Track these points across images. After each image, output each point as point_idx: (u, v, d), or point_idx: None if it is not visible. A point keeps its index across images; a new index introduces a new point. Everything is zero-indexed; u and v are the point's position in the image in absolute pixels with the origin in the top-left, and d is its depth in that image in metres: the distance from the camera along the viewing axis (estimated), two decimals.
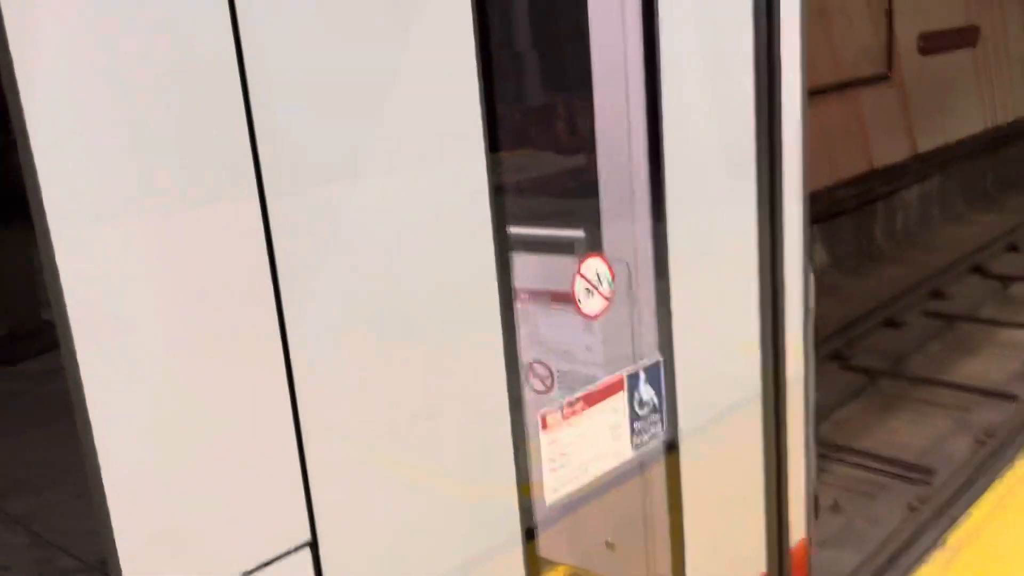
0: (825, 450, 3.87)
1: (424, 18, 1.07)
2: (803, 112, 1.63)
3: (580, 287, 1.30)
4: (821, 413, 4.21)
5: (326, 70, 0.98)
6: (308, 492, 1.03)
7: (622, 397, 1.34)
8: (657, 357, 1.40)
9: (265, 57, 0.94)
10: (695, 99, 1.44)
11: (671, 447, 1.46)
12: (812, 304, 2.04)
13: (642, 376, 1.37)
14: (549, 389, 1.63)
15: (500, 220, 1.16)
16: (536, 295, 1.57)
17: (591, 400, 1.30)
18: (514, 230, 1.65)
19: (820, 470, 3.81)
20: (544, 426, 1.25)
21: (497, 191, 1.67)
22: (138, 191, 0.87)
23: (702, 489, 1.56)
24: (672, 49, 1.37)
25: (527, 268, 1.61)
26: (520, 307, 1.63)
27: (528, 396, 1.72)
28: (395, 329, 1.08)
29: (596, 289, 1.32)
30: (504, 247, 1.17)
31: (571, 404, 1.28)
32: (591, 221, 1.59)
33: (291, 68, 0.96)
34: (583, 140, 1.64)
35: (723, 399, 1.60)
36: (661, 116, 1.37)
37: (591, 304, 1.32)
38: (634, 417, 1.36)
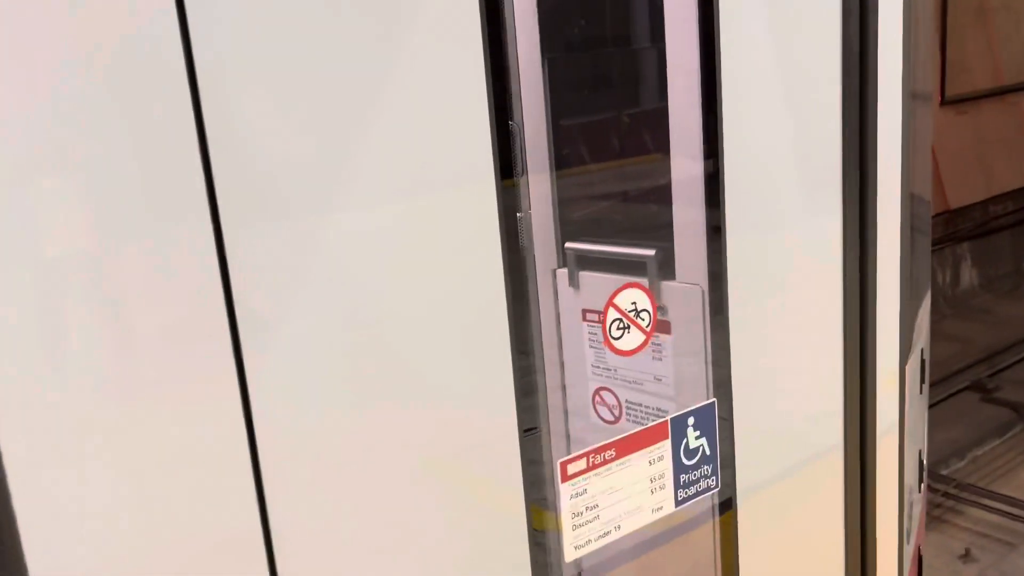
0: (958, 491, 3.53)
1: (420, 26, 0.94)
2: (905, 120, 1.42)
3: (612, 320, 1.15)
4: (957, 450, 3.86)
5: (293, 81, 0.87)
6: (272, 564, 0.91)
7: (665, 445, 1.18)
8: (709, 398, 1.22)
9: (220, 69, 0.83)
10: (763, 104, 1.26)
11: (727, 504, 1.28)
12: (924, 339, 1.81)
13: (691, 420, 1.20)
14: (617, 420, 1.49)
15: (514, 254, 1.01)
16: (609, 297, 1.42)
17: (626, 447, 1.14)
18: (581, 246, 1.52)
19: (953, 512, 3.47)
20: (564, 476, 1.10)
21: (562, 209, 1.55)
22: (62, 223, 0.78)
23: (764, 556, 1.37)
24: (736, 52, 1.20)
25: (595, 287, 1.47)
26: (587, 328, 1.49)
27: (593, 424, 1.58)
28: (381, 382, 0.95)
29: (633, 323, 1.16)
30: (520, 285, 1.03)
31: (600, 452, 1.12)
32: (664, 239, 1.44)
33: (251, 78, 0.85)
34: (657, 151, 1.48)
35: (794, 449, 1.41)
36: (721, 122, 1.19)
37: (625, 341, 1.16)
38: (680, 468, 1.19)
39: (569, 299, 1.51)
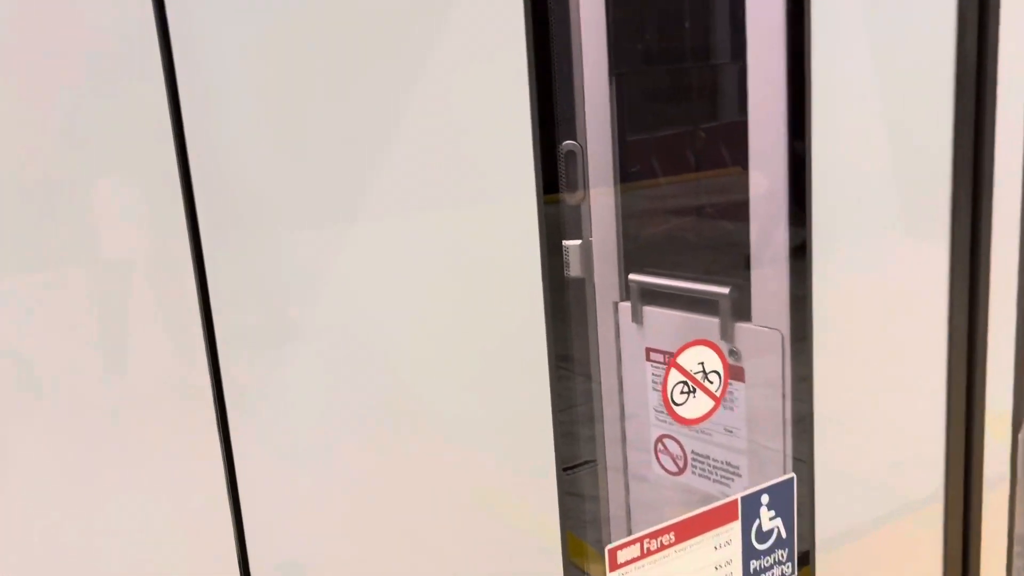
0: None
1: (453, 36, 0.80)
2: None
3: (674, 383, 0.99)
4: None
5: (292, 82, 0.74)
6: None
7: (734, 528, 1.02)
8: (788, 474, 1.06)
9: (202, 70, 0.70)
10: (858, 120, 1.08)
11: (804, 558, 1.12)
12: None
13: (765, 499, 1.04)
14: (681, 471, 1.34)
15: (557, 284, 0.87)
16: (671, 358, 1.27)
17: (688, 531, 0.99)
18: (646, 279, 1.36)
19: None
20: (613, 565, 0.95)
21: (627, 237, 1.39)
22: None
23: None
24: (828, 62, 1.03)
25: (661, 324, 1.31)
26: (650, 369, 1.34)
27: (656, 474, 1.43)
28: (390, 430, 0.82)
29: (700, 386, 1.00)
30: (565, 316, 0.89)
31: (656, 536, 0.97)
32: (741, 275, 1.27)
33: (239, 86, 0.72)
34: (733, 176, 1.31)
35: (884, 499, 1.24)
36: (810, 141, 1.03)
37: (690, 407, 1.01)
38: (750, 553, 1.03)
39: (632, 335, 1.36)
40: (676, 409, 1.01)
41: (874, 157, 1.15)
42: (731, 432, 1.26)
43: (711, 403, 1.02)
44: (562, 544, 0.92)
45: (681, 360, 1.00)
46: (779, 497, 1.04)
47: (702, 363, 1.01)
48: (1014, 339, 1.35)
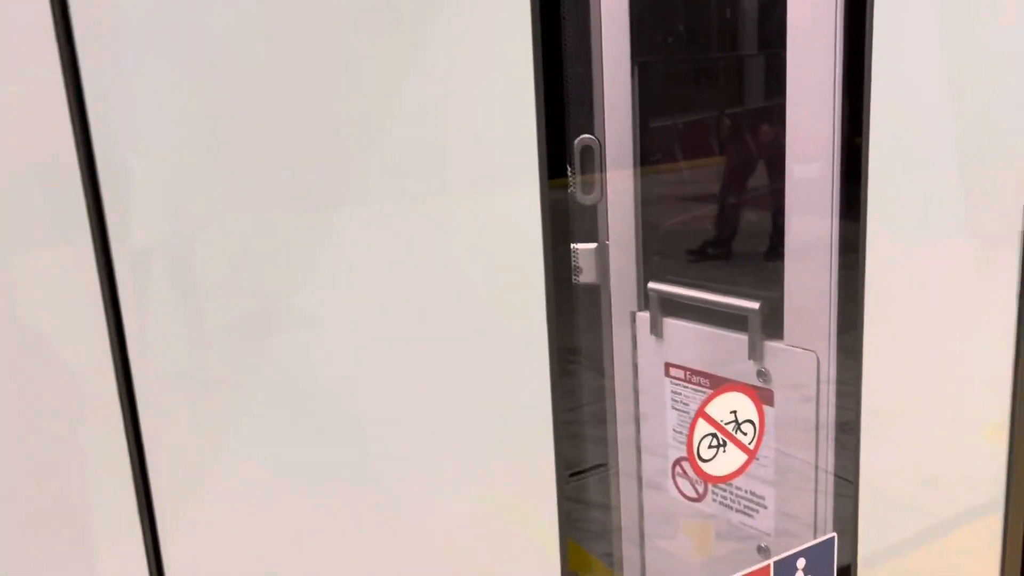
0: None
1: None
2: None
3: (702, 436, 0.85)
4: None
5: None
6: None
7: None
8: (828, 533, 0.93)
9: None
10: (925, 113, 0.94)
11: (845, 572, 1.00)
12: None
13: (801, 563, 0.91)
14: (700, 498, 1.21)
15: (564, 283, 0.76)
16: (692, 375, 1.14)
17: None
18: (667, 288, 1.21)
19: None
20: None
21: (647, 241, 1.24)
22: None
23: None
24: (892, 50, 0.88)
25: (682, 337, 1.17)
26: (670, 385, 1.21)
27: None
28: (377, 429, 0.74)
29: (731, 439, 0.87)
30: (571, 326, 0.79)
31: None
32: (773, 288, 1.13)
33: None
34: (765, 177, 1.15)
35: (935, 511, 1.12)
36: (867, 133, 0.89)
37: (720, 463, 0.87)
38: None
39: (650, 348, 1.22)
40: (703, 466, 0.87)
41: (939, 149, 1.00)
42: (757, 459, 1.13)
43: (743, 457, 0.88)
44: (561, 554, 0.81)
45: (710, 410, 0.86)
46: (818, 560, 0.91)
47: (734, 412, 0.87)
48: None
